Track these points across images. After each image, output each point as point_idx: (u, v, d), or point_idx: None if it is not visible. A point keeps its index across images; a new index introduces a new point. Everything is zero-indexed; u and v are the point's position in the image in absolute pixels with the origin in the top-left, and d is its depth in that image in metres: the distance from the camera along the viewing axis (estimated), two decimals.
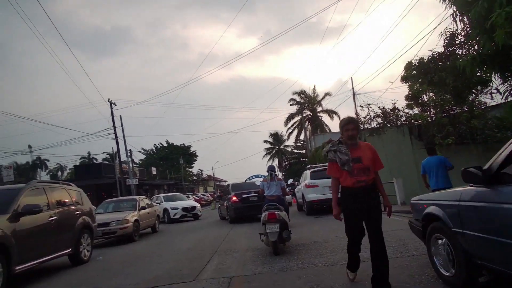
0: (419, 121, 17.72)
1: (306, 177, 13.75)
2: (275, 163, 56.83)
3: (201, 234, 11.58)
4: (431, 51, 9.96)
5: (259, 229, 6.69)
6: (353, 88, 24.21)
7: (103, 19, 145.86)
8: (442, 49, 9.73)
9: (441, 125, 16.79)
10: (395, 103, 17.70)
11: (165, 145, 68.57)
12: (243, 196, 12.96)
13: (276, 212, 5.96)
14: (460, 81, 8.72)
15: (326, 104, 43.50)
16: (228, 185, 15.76)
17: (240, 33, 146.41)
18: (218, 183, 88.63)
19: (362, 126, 18.01)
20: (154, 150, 68.88)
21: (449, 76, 8.83)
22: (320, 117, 43.62)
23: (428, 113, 16.58)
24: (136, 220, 11.02)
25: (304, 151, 45.75)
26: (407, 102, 18.01)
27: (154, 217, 13.10)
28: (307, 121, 41.67)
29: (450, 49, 9.50)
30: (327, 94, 42.42)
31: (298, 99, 43.61)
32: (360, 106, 18.67)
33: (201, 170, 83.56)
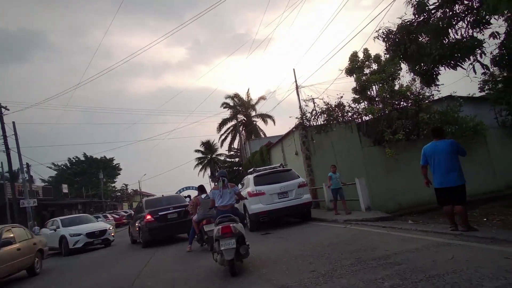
0: (368, 116, 16.23)
1: (248, 184, 10.84)
2: (207, 172, 53.47)
3: (107, 269, 8.10)
4: (400, 18, 7.89)
5: (196, 246, 6.80)
6: (296, 81, 22.20)
7: (8, 20, 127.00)
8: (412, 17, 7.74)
9: (391, 119, 15.46)
10: (341, 97, 15.90)
11: (82, 158, 60.24)
12: (160, 213, 10.89)
13: (231, 225, 5.12)
14: (448, 47, 6.75)
15: (260, 108, 41.68)
16: (141, 201, 13.29)
17: (168, 42, 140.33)
18: (146, 198, 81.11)
19: (308, 123, 15.84)
20: (68, 164, 60.03)
21: (432, 42, 6.83)
22: (254, 122, 41.59)
23: (377, 107, 15.05)
24: None
25: (237, 159, 43.20)
26: (353, 96, 16.44)
27: (33, 254, 8.85)
28: (241, 126, 39.20)
29: (424, 15, 7.54)
30: (261, 98, 40.59)
31: (231, 103, 41.03)
32: (304, 100, 16.55)
33: (126, 185, 75.96)
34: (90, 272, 8.39)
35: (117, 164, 64.25)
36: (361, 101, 16.14)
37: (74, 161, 59.74)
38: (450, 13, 6.91)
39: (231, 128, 41.30)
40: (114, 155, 63.88)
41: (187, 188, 47.15)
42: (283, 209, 9.85)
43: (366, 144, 15.96)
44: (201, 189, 8.95)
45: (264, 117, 40.67)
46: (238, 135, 37.62)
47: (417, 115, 15.03)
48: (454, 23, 6.89)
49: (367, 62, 16.17)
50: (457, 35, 7.05)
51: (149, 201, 12.84)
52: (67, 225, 14.01)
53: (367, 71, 16.07)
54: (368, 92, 16.00)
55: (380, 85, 15.26)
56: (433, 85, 9.13)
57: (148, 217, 10.88)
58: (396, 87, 15.32)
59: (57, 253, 13.95)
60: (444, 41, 6.96)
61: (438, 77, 8.37)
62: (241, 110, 41.12)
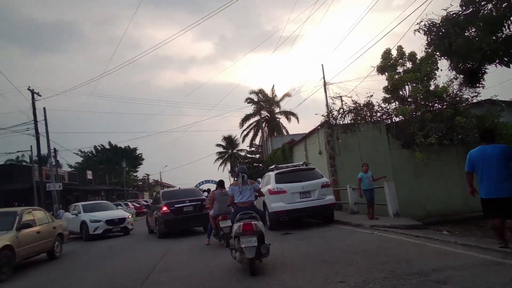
0: (399, 117, 15.42)
1: (269, 181, 10.45)
2: (227, 167, 53.48)
3: (124, 259, 8.03)
4: (445, 10, 7.21)
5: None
6: (324, 77, 21.45)
7: (43, 12, 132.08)
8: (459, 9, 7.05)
9: (423, 121, 14.61)
10: (371, 95, 15.17)
11: (107, 147, 61.72)
12: (176, 206, 10.94)
13: (252, 222, 4.96)
14: (502, 41, 6.07)
15: (284, 104, 41.11)
16: (159, 192, 13.37)
17: (195, 37, 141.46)
18: (166, 189, 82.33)
19: (334, 122, 15.25)
20: (94, 152, 61.70)
21: (483, 36, 6.16)
22: (278, 119, 41.08)
23: (409, 107, 14.24)
24: (6, 247, 6.87)
25: (258, 156, 42.88)
26: (384, 95, 15.66)
27: (52, 238, 8.89)
28: (264, 123, 38.81)
29: (472, 7, 6.83)
30: (286, 94, 40.00)
31: (255, 98, 40.69)
32: (331, 98, 15.95)
33: (148, 175, 77.51)
34: (107, 260, 8.31)
35: (140, 154, 65.38)
36: (392, 101, 15.35)
37: (99, 149, 61.29)
38: (505, 4, 6.20)
39: (254, 124, 41.01)
40: (137, 145, 64.92)
41: (207, 181, 47.48)
42: (304, 209, 9.41)
43: (394, 146, 15.19)
44: (220, 184, 8.82)
45: (288, 114, 40.09)
46: (260, 131, 37.29)
47: (452, 119, 14.12)
48: (509, 15, 6.19)
49: (400, 60, 15.32)
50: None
51: (166, 192, 12.86)
52: (88, 211, 14.16)
53: (400, 69, 15.24)
54: (400, 92, 15.18)
55: (414, 84, 14.42)
56: (477, 85, 8.37)
57: (165, 208, 10.90)
58: (431, 88, 14.44)
59: (78, 237, 14.14)
60: (498, 34, 6.27)
61: (484, 76, 7.66)
62: (265, 106, 40.72)
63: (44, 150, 25.67)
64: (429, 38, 7.17)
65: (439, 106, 15.00)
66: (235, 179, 6.07)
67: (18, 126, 25.25)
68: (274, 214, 9.58)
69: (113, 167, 59.23)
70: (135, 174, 68.46)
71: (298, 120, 40.18)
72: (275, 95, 41.27)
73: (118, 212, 14.54)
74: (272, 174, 10.36)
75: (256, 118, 39.80)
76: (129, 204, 33.30)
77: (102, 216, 13.62)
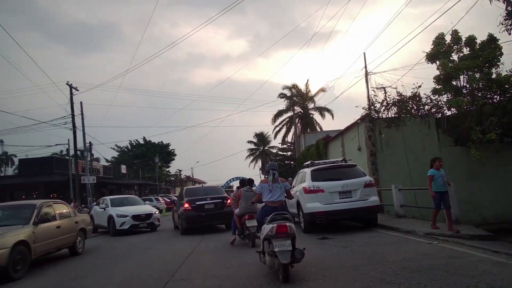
0: (451, 111, 13.75)
1: (304, 178, 9.41)
2: (258, 164, 52.74)
3: (146, 259, 7.45)
4: None
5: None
6: (366, 66, 19.84)
7: (88, 13, 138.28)
8: None
9: (482, 115, 12.86)
10: (419, 86, 13.60)
11: (142, 142, 63.14)
12: (197, 203, 11.06)
13: (287, 224, 4.51)
14: None
15: (319, 100, 39.57)
16: (183, 189, 13.45)
17: (229, 34, 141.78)
18: (187, 187, 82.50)
19: (376, 115, 13.86)
20: (129, 147, 63.37)
21: None
22: (311, 115, 39.65)
23: (466, 99, 12.53)
24: (21, 243, 6.40)
25: (289, 153, 41.72)
26: (435, 85, 14.01)
27: (74, 233, 8.43)
28: (297, 118, 37.55)
29: None
30: (321, 90, 38.47)
31: (288, 94, 39.49)
32: (373, 89, 14.56)
33: (180, 170, 78.75)
34: (129, 259, 7.73)
35: (172, 149, 66.34)
36: (443, 92, 13.67)
37: (134, 144, 62.81)
38: None
39: (287, 120, 39.88)
40: (170, 141, 66.03)
41: (237, 178, 47.01)
42: (344, 211, 8.29)
43: (445, 143, 13.56)
44: (249, 182, 8.57)
45: (322, 110, 38.58)
46: (293, 127, 36.09)
47: None
48: None
49: (456, 46, 13.60)
50: None
51: (188, 190, 12.94)
52: (116, 205, 13.82)
53: (455, 57, 13.54)
54: (454, 82, 13.48)
55: (471, 73, 12.72)
56: None
57: (186, 205, 11.07)
58: (493, 76, 12.65)
59: (107, 231, 13.90)
60: None
61: None
62: (298, 101, 39.41)
63: (80, 144, 26.15)
64: (508, 8, 5.82)
65: (500, 98, 13.17)
66: (266, 176, 5.69)
67: (57, 120, 25.97)
68: (310, 215, 8.54)
69: (146, 162, 60.56)
70: (167, 169, 69.73)
71: (332, 117, 38.52)
72: (309, 90, 39.88)
73: (145, 207, 14.09)
74: (307, 171, 9.31)
75: (289, 114, 38.63)
76: (160, 199, 33.44)
77: (129, 211, 13.21)
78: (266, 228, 4.64)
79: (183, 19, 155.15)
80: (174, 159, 68.80)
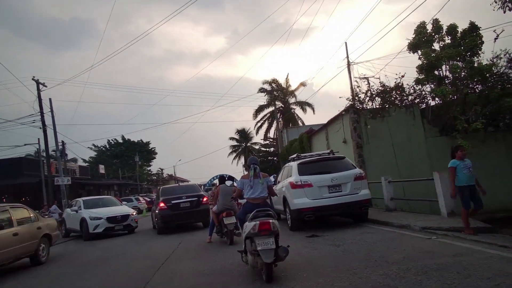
0: (435, 100, 13.52)
1: (291, 173, 8.85)
2: (241, 161, 52.03)
3: (117, 268, 6.65)
4: None
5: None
6: (347, 56, 19.42)
7: (61, 10, 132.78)
8: None
9: (466, 104, 12.69)
10: (403, 76, 13.30)
11: (121, 141, 61.26)
12: (173, 202, 11.19)
13: (270, 221, 4.25)
14: None
15: (299, 94, 39.19)
16: (159, 189, 13.41)
17: (207, 31, 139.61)
18: (163, 186, 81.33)
19: (360, 106, 13.49)
20: (108, 146, 61.36)
21: None
22: (293, 110, 39.26)
23: (450, 88, 12.30)
24: None
25: (272, 149, 41.27)
26: (417, 75, 13.75)
27: (36, 240, 7.56)
28: (279, 113, 37.07)
29: None
30: (301, 84, 38.05)
31: (269, 88, 38.93)
32: (356, 80, 14.14)
33: (162, 169, 77.10)
34: (99, 267, 6.97)
35: (153, 148, 64.82)
36: (426, 82, 13.43)
37: (113, 143, 60.89)
38: None
39: (268, 115, 39.36)
40: (150, 139, 64.43)
41: (221, 175, 46.15)
42: (334, 207, 7.79)
43: (431, 133, 13.35)
44: (229, 178, 8.43)
45: (303, 105, 38.22)
46: (275, 122, 35.61)
47: (499, 100, 12.16)
48: None
49: (437, 36, 13.38)
50: None
51: (165, 189, 12.89)
52: (89, 207, 12.92)
53: (436, 46, 13.32)
54: (436, 72, 13.25)
55: (454, 62, 12.51)
56: None
57: (162, 204, 11.18)
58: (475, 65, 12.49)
59: (80, 235, 12.97)
60: None
61: None
62: (279, 96, 38.93)
63: (52, 143, 24.71)
64: None
65: (482, 87, 13.06)
66: (247, 171, 5.37)
67: (24, 118, 24.43)
68: (298, 212, 8.00)
69: (126, 161, 58.86)
70: (148, 168, 68.10)
71: (314, 111, 38.23)
72: (290, 85, 39.49)
73: (121, 208, 13.22)
74: (294, 165, 8.76)
75: (270, 109, 38.13)
76: (140, 198, 32.32)
77: (103, 212, 12.34)
78: (248, 226, 4.36)
79: (160, 15, 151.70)
80: (155, 158, 67.31)
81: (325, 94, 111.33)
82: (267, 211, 4.55)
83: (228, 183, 7.95)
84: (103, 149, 60.84)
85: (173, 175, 74.84)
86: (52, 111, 23.94)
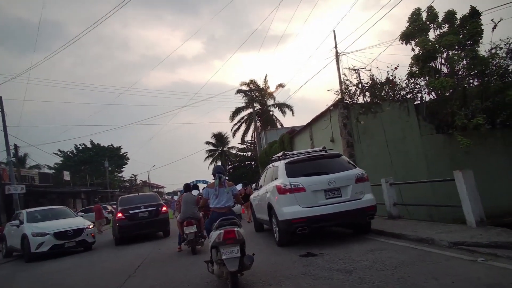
0: (431, 94, 12.38)
1: (276, 175, 7.24)
2: None
3: None
4: None
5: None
6: (336, 46, 18.06)
7: (28, 11, 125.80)
8: None
9: (466, 98, 11.60)
10: (396, 68, 12.10)
11: (89, 146, 57.79)
12: (131, 212, 11.13)
13: (235, 229, 4.26)
14: None
15: (277, 95, 37.92)
16: (118, 199, 13.23)
17: (184, 36, 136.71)
18: (155, 190, 79.17)
19: (350, 100, 12.14)
20: (75, 151, 57.65)
21: None
22: (271, 112, 37.92)
23: (450, 79, 11.13)
24: None
25: (250, 153, 39.75)
26: (411, 67, 12.58)
27: None
28: (257, 116, 35.58)
29: None
30: (279, 85, 36.91)
31: (247, 89, 37.42)
32: (344, 74, 12.80)
33: (135, 175, 73.72)
34: None
35: (124, 153, 61.70)
36: (420, 75, 12.28)
37: (81, 148, 57.35)
38: None
39: (245, 117, 37.84)
40: (121, 144, 61.28)
41: (198, 181, 44.10)
42: (333, 216, 6.22)
43: (426, 131, 12.16)
44: (194, 187, 8.89)
45: (282, 106, 36.98)
46: (253, 124, 34.08)
47: (501, 94, 11.16)
48: None
49: (432, 24, 12.28)
50: None
51: (123, 199, 12.69)
52: (34, 221, 10.77)
53: (432, 35, 12.21)
54: (432, 63, 12.13)
55: (454, 51, 11.41)
56: None
57: (119, 215, 11.09)
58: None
59: (19, 255, 10.80)
60: None
61: None
62: (257, 97, 37.51)
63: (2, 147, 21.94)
64: None
65: (480, 80, 12.06)
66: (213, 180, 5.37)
67: None
68: (287, 223, 6.38)
69: (96, 167, 55.43)
70: (120, 174, 64.72)
71: (293, 113, 37.12)
72: (268, 87, 38.21)
73: (74, 221, 11.06)
74: (280, 164, 7.15)
75: (248, 111, 36.65)
76: (109, 207, 29.73)
77: (50, 227, 10.19)
78: (214, 235, 4.35)
79: (135, 19, 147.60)
80: (127, 163, 63.99)
81: (302, 100, 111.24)
82: (232, 220, 4.52)
83: (195, 192, 8.06)
84: (70, 154, 57.13)
85: (147, 181, 71.72)
86: (2, 111, 21.30)
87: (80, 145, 57.45)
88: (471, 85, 11.81)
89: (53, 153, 52.17)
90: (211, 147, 48.56)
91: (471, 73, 11.61)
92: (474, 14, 11.20)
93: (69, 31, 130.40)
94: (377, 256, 4.93)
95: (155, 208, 11.41)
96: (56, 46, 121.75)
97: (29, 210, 11.78)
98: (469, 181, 5.90)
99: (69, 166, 52.55)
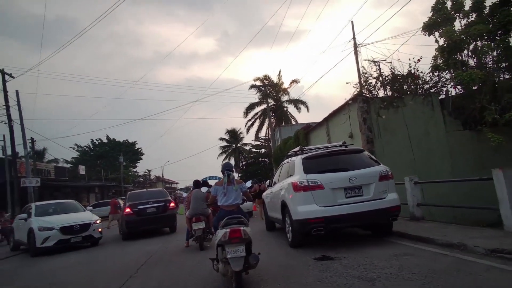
0: (458, 88, 11.58)
1: (292, 171, 6.72)
2: (231, 162, 49.80)
3: None
4: None
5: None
6: (354, 37, 17.23)
7: (45, 9, 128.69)
8: None
9: (497, 92, 10.77)
10: (418, 60, 11.36)
11: (105, 141, 58.48)
12: (139, 207, 11.09)
13: (241, 229, 4.20)
14: None
15: (291, 89, 37.18)
16: (127, 194, 13.63)
17: (197, 32, 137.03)
18: (168, 185, 79.77)
19: (370, 94, 11.47)
20: (91, 146, 58.42)
21: None
22: (285, 108, 37.27)
23: (479, 71, 10.33)
24: None
25: (264, 150, 39.23)
26: (435, 59, 11.80)
27: None
28: (271, 112, 35.01)
29: None
30: (294, 81, 36.12)
31: (260, 85, 36.84)
32: (363, 65, 12.13)
33: (149, 171, 74.43)
34: None
35: (139, 148, 62.11)
36: (446, 67, 11.49)
37: (97, 143, 58.07)
38: None
39: (259, 113, 37.32)
40: (137, 140, 61.81)
41: (211, 177, 43.95)
42: (354, 216, 5.68)
43: (452, 127, 11.38)
44: (204, 184, 8.74)
45: (297, 102, 36.26)
46: (267, 120, 33.54)
47: None
48: None
49: (457, 14, 11.48)
50: None
51: (132, 194, 12.70)
52: (42, 214, 10.58)
53: (458, 25, 11.41)
54: (458, 55, 11.33)
55: (483, 42, 10.59)
56: None
57: (127, 210, 11.05)
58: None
59: (25, 249, 10.69)
60: None
61: None
62: (271, 93, 36.89)
63: (19, 141, 22.12)
64: None
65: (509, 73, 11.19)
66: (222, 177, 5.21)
67: None
68: (303, 223, 5.87)
69: (111, 162, 56.05)
70: (134, 169, 65.36)
71: (308, 109, 36.33)
72: (282, 82, 37.51)
73: (82, 216, 10.81)
74: (297, 160, 6.63)
75: (262, 107, 36.11)
76: (120, 201, 29.77)
77: (56, 221, 9.96)
78: (220, 233, 4.31)
79: (148, 16, 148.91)
80: (141, 159, 64.51)
81: (317, 97, 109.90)
82: (239, 218, 4.48)
83: (204, 189, 8.11)
84: (87, 149, 57.91)
85: (161, 176, 72.24)
86: (19, 104, 21.49)
87: (96, 139, 58.21)
88: (501, 78, 10.96)
89: (70, 147, 52.93)
90: (224, 143, 48.30)
91: (502, 65, 10.75)
92: (506, 1, 10.35)
93: (84, 28, 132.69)
94: (402, 263, 4.38)
95: (163, 203, 11.38)
96: (66, 40, 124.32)
97: (38, 203, 11.64)
98: (509, 181, 5.24)
99: (86, 161, 53.29)
